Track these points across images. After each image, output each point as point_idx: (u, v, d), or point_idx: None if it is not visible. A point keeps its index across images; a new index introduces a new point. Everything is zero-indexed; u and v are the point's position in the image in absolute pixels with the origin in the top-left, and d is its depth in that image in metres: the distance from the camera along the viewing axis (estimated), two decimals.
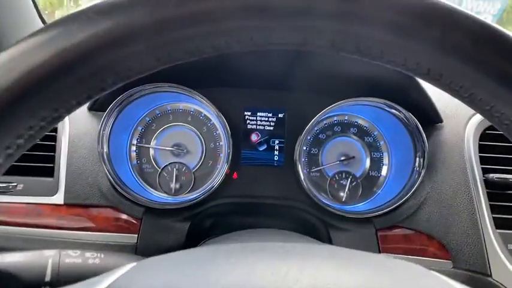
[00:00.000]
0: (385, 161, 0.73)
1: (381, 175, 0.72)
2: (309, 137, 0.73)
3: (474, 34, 0.18)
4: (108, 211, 0.64)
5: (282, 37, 0.21)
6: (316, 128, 0.73)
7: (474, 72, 0.19)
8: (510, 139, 0.21)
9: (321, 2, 0.19)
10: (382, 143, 0.73)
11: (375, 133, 0.73)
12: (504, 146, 0.65)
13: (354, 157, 0.72)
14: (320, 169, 0.72)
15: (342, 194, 0.71)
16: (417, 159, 0.64)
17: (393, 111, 0.65)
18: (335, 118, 0.73)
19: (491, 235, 0.59)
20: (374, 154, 0.73)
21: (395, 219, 0.63)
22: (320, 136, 0.73)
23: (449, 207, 0.61)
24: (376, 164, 0.73)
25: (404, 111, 0.64)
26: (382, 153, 0.73)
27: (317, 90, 0.68)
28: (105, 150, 0.63)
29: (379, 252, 0.62)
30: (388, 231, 0.64)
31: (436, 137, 0.66)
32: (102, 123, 0.63)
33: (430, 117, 0.66)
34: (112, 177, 0.62)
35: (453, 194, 0.61)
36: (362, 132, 0.73)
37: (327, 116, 0.72)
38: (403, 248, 0.62)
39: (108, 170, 0.62)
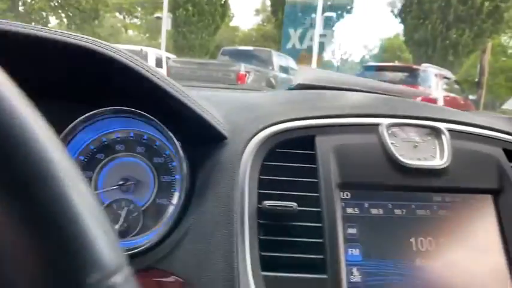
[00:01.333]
0: (177, 186, 0.61)
1: (170, 203, 0.60)
2: (82, 158, 0.61)
3: None
4: None
5: None
6: (92, 147, 0.61)
7: None
8: None
9: None
10: (174, 164, 0.61)
11: (166, 153, 0.62)
12: (297, 167, 0.55)
13: (137, 182, 0.61)
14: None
15: (116, 226, 0.59)
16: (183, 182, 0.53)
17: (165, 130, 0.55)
18: (117, 134, 0.62)
19: (249, 279, 0.47)
20: (164, 178, 0.61)
21: (152, 259, 0.51)
22: (98, 156, 0.61)
23: (207, 244, 0.49)
24: (166, 190, 0.61)
25: (166, 130, 0.53)
26: (174, 176, 0.61)
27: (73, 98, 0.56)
28: None
29: None
30: (145, 273, 0.51)
31: (215, 157, 0.56)
32: None
33: (208, 135, 0.56)
34: None
35: (214, 226, 0.50)
36: (151, 152, 0.62)
37: (106, 132, 0.61)
38: None
39: None
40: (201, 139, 0.56)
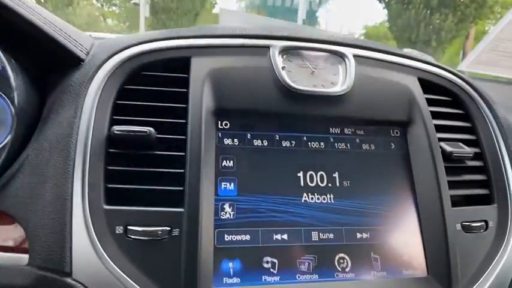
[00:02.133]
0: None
1: None
2: None
3: None
4: None
5: None
6: None
7: None
8: None
9: None
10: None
11: None
12: (166, 92, 0.47)
13: None
14: None
15: None
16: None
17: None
18: None
19: (86, 213, 0.39)
20: None
21: None
22: None
23: (41, 175, 0.41)
24: None
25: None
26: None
27: None
28: None
29: None
30: None
31: (65, 81, 0.47)
32: None
33: (63, 57, 0.47)
34: None
35: (50, 155, 0.42)
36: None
37: None
38: None
39: None
40: (56, 63, 0.48)
